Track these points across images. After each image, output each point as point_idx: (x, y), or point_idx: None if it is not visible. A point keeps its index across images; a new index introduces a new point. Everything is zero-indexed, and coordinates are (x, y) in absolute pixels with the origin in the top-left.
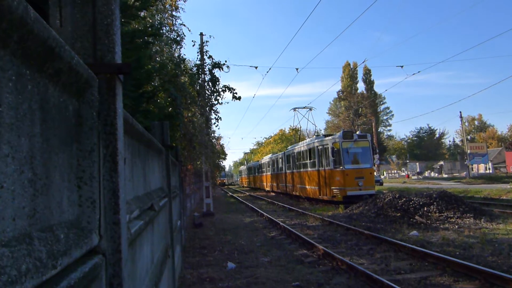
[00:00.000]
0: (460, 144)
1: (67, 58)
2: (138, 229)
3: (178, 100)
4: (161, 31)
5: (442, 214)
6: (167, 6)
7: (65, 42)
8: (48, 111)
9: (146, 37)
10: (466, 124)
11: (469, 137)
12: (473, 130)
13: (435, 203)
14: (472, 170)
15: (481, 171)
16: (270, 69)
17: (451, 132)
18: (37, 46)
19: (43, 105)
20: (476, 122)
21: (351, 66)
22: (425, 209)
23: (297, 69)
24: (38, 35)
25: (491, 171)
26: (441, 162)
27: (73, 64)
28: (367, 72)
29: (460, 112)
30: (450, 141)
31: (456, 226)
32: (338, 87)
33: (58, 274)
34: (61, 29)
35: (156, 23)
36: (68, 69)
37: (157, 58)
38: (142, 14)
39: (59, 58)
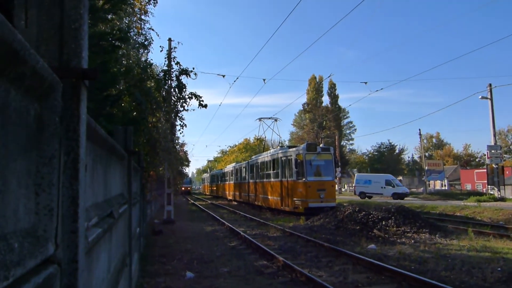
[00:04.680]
0: (418, 161)
1: (31, 62)
2: (96, 237)
3: (143, 105)
4: (129, 35)
5: (400, 228)
6: (136, 9)
7: (29, 45)
8: (8, 116)
9: (113, 41)
10: (425, 141)
11: (427, 154)
12: (431, 148)
13: (393, 217)
14: (429, 186)
15: (438, 187)
16: (237, 78)
17: (411, 149)
18: (0, 49)
19: (4, 110)
20: (434, 140)
21: (317, 80)
22: (384, 223)
23: (264, 79)
24: (2, 37)
25: (446, 188)
26: (400, 177)
27: (38, 68)
28: (332, 86)
29: (419, 129)
30: (409, 157)
31: (412, 241)
32: (304, 99)
33: (10, 285)
34: (26, 30)
35: (124, 26)
36: (32, 73)
37: (124, 62)
38: (109, 16)
39: (23, 62)
